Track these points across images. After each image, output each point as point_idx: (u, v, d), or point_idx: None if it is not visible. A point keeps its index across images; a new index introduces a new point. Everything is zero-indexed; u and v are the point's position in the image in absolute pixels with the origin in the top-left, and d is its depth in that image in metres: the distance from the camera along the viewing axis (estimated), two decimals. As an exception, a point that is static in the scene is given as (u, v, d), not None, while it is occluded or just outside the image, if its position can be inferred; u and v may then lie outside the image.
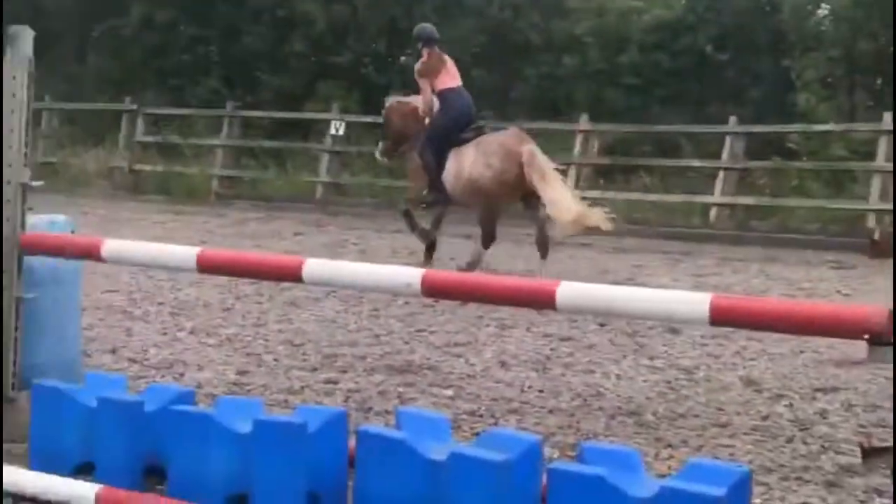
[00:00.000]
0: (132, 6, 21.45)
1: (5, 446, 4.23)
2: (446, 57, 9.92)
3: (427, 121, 9.80)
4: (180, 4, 20.96)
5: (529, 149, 9.21)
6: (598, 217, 8.96)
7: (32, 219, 4.50)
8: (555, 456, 4.36)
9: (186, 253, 3.94)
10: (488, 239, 9.46)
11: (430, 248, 10.06)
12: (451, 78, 9.77)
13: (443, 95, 9.69)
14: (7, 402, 4.32)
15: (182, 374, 5.66)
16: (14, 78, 4.34)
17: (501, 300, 3.53)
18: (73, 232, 4.75)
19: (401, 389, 5.44)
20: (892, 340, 2.99)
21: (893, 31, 16.00)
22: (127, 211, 14.90)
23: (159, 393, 4.07)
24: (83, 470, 3.89)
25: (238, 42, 20.60)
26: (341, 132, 16.20)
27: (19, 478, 3.71)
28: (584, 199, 9.13)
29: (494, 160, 9.20)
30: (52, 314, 4.62)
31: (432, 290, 3.52)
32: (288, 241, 12.26)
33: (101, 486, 3.61)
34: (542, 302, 3.31)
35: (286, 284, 7.52)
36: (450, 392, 5.41)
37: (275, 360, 6.06)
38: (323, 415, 3.75)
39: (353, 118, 16.69)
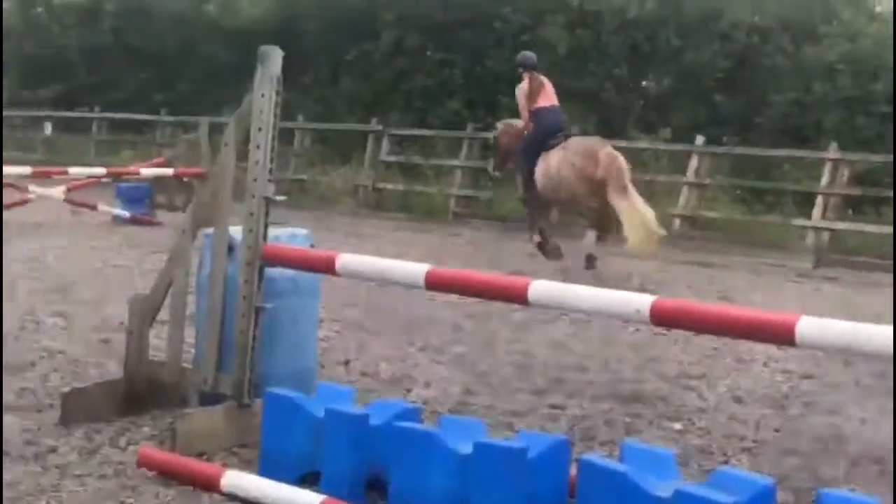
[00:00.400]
0: (384, 31, 22.11)
1: (237, 450, 4.39)
2: (544, 79, 11.29)
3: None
4: (428, 30, 21.46)
5: (609, 151, 10.56)
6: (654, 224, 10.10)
7: (275, 231, 4.67)
8: (790, 501, 4.13)
9: (416, 270, 3.97)
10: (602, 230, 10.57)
11: (550, 249, 11.20)
12: (546, 98, 11.14)
13: (538, 113, 11.05)
14: (242, 407, 4.48)
15: (410, 390, 5.72)
16: (262, 96, 4.50)
17: (736, 332, 3.35)
18: (312, 245, 4.88)
19: (627, 420, 5.30)
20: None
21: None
22: (368, 227, 15.33)
23: (385, 408, 4.11)
24: (309, 479, 3.98)
25: (481, 66, 20.90)
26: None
27: (247, 483, 3.83)
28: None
29: (577, 159, 10.46)
30: (289, 325, 4.77)
31: (661, 318, 3.39)
32: (520, 260, 12.26)
33: (325, 496, 3.67)
34: (781, 336, 3.12)
35: (516, 305, 7.49)
36: (679, 426, 5.23)
37: (501, 381, 6.04)
38: (544, 442, 3.68)
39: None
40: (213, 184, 4.76)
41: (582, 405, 5.54)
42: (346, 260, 4.22)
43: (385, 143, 18.51)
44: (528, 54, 11.57)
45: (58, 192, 14.25)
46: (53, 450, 4.32)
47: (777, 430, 5.22)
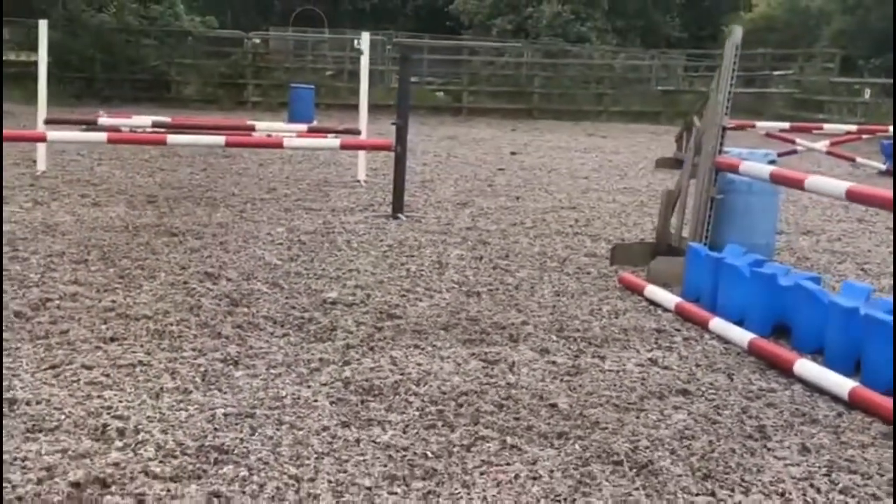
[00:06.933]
0: None
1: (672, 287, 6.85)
2: None
3: None
4: None
5: None
6: None
7: (739, 150, 7.04)
8: None
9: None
10: None
11: None
12: None
13: None
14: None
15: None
16: (724, 57, 6.89)
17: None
18: (771, 162, 7.05)
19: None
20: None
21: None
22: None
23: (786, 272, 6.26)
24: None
25: None
26: None
27: (656, 292, 6.35)
28: None
29: None
30: (741, 213, 7.10)
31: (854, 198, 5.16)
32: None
33: (678, 300, 6.11)
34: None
35: None
36: None
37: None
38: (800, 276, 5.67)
39: None
40: (704, 120, 7.24)
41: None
42: (748, 167, 6.47)
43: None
44: None
45: (821, 145, 16.74)
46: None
47: None
